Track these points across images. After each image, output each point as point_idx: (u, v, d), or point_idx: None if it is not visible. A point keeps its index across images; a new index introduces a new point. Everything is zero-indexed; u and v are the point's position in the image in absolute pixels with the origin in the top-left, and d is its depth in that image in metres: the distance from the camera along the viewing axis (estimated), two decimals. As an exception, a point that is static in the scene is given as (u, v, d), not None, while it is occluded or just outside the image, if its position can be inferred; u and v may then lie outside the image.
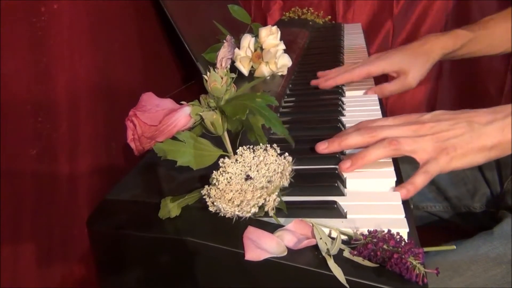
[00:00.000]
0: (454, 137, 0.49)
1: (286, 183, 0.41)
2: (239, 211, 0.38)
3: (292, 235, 0.39)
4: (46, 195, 0.46)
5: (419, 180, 0.47)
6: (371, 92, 0.78)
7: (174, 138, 0.43)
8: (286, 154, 0.43)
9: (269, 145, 0.43)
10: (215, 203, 0.39)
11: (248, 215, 0.39)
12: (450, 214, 0.88)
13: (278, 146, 0.43)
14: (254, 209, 0.38)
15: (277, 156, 0.43)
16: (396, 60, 0.75)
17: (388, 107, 1.49)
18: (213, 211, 0.40)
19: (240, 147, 0.43)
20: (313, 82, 0.81)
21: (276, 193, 0.39)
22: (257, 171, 0.42)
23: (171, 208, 0.42)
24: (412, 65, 0.74)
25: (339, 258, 0.38)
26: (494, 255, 0.60)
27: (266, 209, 0.39)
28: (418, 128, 0.50)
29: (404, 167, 0.54)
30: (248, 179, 0.41)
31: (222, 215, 0.39)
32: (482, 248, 0.61)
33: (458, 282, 0.59)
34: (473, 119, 0.50)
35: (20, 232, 0.43)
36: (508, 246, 0.60)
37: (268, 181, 0.41)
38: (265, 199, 0.39)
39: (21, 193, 0.43)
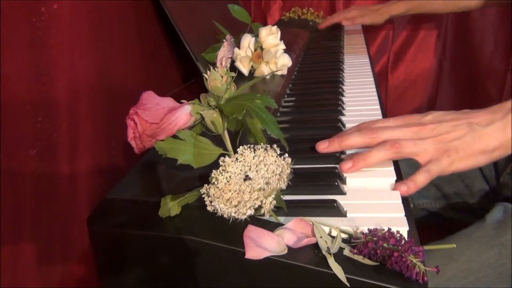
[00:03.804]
0: (456, 139, 0.49)
1: (283, 186, 0.41)
2: (235, 213, 0.38)
3: (292, 233, 0.39)
4: (46, 195, 0.46)
5: (420, 179, 0.47)
6: (345, 23, 1.31)
7: (174, 136, 0.43)
8: (286, 155, 0.43)
9: (269, 145, 0.43)
10: (212, 203, 0.39)
11: (244, 217, 0.39)
12: (447, 210, 0.88)
13: (277, 146, 0.43)
14: (250, 211, 0.38)
15: (276, 157, 0.43)
16: (362, 10, 1.31)
17: (389, 107, 1.49)
18: (211, 211, 0.40)
19: (240, 146, 0.43)
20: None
21: (273, 196, 0.39)
22: (257, 171, 0.42)
23: (171, 206, 0.42)
24: (369, 15, 1.28)
25: (339, 256, 0.37)
26: (486, 239, 0.60)
27: (262, 211, 0.39)
28: (419, 130, 0.50)
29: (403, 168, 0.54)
30: (247, 180, 0.41)
31: (220, 214, 0.39)
32: (475, 233, 0.62)
33: (454, 268, 0.60)
34: (473, 120, 0.50)
35: (20, 232, 0.43)
36: (500, 230, 0.60)
37: (266, 183, 0.41)
38: (261, 201, 0.39)
39: (21, 193, 0.43)
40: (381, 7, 1.27)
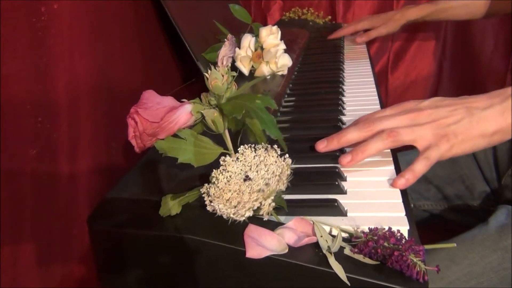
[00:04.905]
0: (454, 123, 0.48)
1: (283, 188, 0.41)
2: (234, 214, 0.38)
3: (292, 233, 0.39)
4: (46, 195, 0.46)
5: (419, 167, 0.47)
6: (360, 40, 1.18)
7: (175, 135, 0.43)
8: (286, 156, 0.43)
9: (270, 145, 0.43)
10: (212, 203, 0.39)
11: (243, 218, 0.39)
12: (448, 212, 0.88)
13: (278, 146, 0.43)
14: (249, 213, 0.38)
15: (277, 157, 0.42)
16: (374, 20, 1.19)
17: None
18: (211, 211, 0.40)
19: (241, 146, 0.43)
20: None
21: (272, 198, 0.39)
22: (257, 171, 0.42)
23: (171, 206, 0.42)
24: (384, 25, 1.16)
25: (340, 255, 0.38)
26: (489, 242, 0.60)
27: (261, 213, 0.39)
28: (416, 116, 0.50)
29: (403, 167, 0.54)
30: (247, 180, 0.41)
31: (219, 215, 0.39)
32: (478, 237, 0.61)
33: (456, 271, 0.59)
34: (472, 104, 0.50)
35: (20, 232, 0.43)
36: (503, 233, 0.60)
37: (266, 184, 0.41)
38: (260, 202, 0.39)
39: (21, 193, 0.43)
40: (395, 14, 1.16)
